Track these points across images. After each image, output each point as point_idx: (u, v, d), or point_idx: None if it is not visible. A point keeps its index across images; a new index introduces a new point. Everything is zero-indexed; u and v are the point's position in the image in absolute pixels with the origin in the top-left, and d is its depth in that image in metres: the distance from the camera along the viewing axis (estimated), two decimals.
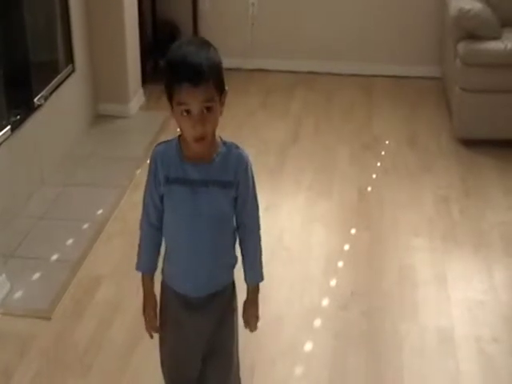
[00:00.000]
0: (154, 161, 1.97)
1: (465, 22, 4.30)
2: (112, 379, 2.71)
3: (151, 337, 2.14)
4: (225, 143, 1.95)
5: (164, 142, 2.00)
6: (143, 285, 2.09)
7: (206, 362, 2.10)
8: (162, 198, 1.98)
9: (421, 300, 3.13)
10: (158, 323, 2.11)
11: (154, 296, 2.10)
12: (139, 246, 2.09)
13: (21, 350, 2.82)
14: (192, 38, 1.96)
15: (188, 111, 1.81)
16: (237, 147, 1.96)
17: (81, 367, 2.75)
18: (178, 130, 1.92)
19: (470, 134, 4.43)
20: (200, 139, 1.85)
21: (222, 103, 1.87)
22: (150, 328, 2.12)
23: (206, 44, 1.86)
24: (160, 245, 2.08)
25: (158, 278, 2.12)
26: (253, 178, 1.99)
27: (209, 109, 1.82)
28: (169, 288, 2.06)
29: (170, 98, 1.85)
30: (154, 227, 2.03)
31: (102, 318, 2.99)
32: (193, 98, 1.80)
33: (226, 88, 1.88)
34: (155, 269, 2.10)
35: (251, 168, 1.99)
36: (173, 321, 2.09)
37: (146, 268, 2.09)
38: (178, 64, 1.81)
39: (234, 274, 2.10)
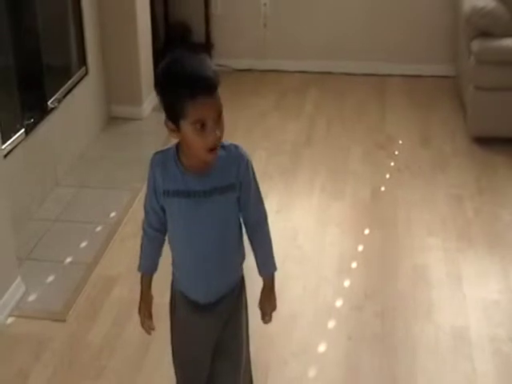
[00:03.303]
0: (152, 172, 1.95)
1: (478, 19, 4.28)
2: (126, 380, 2.72)
3: (148, 333, 2.14)
4: (223, 146, 1.89)
5: (161, 151, 1.96)
6: (141, 285, 2.11)
7: (215, 357, 2.09)
8: (162, 207, 1.98)
9: (435, 300, 3.11)
10: (152, 323, 2.11)
11: (151, 296, 2.11)
12: (141, 247, 2.10)
13: (36, 351, 2.84)
14: (183, 51, 1.89)
15: (203, 125, 1.77)
16: (236, 147, 1.93)
17: (95, 368, 2.76)
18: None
19: (484, 132, 4.40)
20: (214, 148, 1.82)
21: None
22: (144, 326, 2.13)
23: (203, 54, 1.82)
24: (162, 246, 2.08)
25: (160, 278, 2.14)
26: (253, 172, 1.96)
27: (219, 116, 1.80)
28: (178, 292, 2.07)
29: (178, 117, 1.79)
30: (156, 230, 2.03)
31: (116, 319, 3.00)
32: (209, 111, 1.77)
33: None
34: (155, 269, 2.11)
35: (251, 164, 1.96)
36: (183, 322, 2.10)
37: (146, 270, 2.10)
38: (188, 79, 1.75)
39: (242, 270, 2.10)
